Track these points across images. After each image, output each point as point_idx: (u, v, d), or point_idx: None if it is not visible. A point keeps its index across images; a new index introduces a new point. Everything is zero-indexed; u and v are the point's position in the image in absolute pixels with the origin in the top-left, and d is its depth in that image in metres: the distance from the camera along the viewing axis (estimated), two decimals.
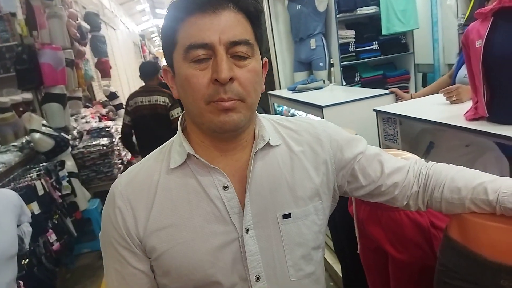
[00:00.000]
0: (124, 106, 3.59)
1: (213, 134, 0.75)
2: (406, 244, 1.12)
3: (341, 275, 1.97)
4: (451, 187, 0.81)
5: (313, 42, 3.24)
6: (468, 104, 1.50)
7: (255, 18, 0.73)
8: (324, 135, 0.86)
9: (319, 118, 2.41)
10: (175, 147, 0.79)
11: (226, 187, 0.76)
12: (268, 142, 0.80)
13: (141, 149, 3.46)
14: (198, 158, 0.75)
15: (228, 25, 0.68)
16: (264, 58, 0.78)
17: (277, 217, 0.79)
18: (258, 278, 0.77)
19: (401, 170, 0.87)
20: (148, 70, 3.40)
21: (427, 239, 1.10)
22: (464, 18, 3.26)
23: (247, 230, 0.76)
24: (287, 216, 0.79)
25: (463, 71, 1.98)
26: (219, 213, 0.76)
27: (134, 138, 3.52)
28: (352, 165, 0.86)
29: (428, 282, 1.08)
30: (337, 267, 2.31)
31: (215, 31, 0.67)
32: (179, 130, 0.81)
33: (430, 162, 0.90)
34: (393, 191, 0.87)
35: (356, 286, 1.62)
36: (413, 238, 1.11)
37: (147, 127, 3.23)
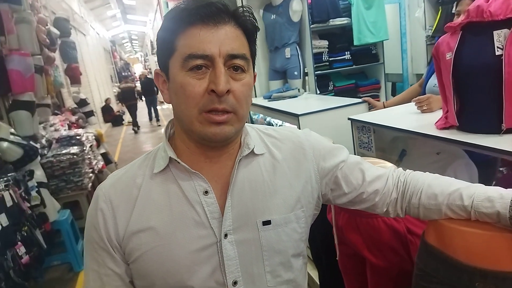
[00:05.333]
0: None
1: (202, 142, 0.77)
2: (384, 250, 1.15)
3: (318, 282, 1.99)
4: (428, 194, 0.84)
5: (287, 51, 3.28)
6: (439, 113, 1.56)
7: (252, 35, 0.77)
8: (307, 144, 0.89)
9: (295, 127, 2.44)
10: (160, 153, 0.82)
11: (206, 192, 0.78)
12: (252, 150, 0.82)
13: None
14: (179, 163, 0.77)
15: (227, 38, 0.71)
16: (255, 71, 0.81)
17: (257, 223, 0.80)
18: (235, 283, 0.78)
19: (381, 177, 0.90)
20: None
21: (403, 244, 1.13)
22: (431, 29, 3.41)
23: (226, 235, 0.77)
24: (267, 222, 0.81)
25: (433, 80, 2.07)
26: (199, 218, 0.77)
27: None
28: (335, 173, 0.89)
29: (404, 286, 1.12)
30: (314, 274, 2.33)
31: (215, 43, 0.70)
32: (165, 137, 0.83)
33: (407, 170, 0.94)
34: (374, 198, 0.90)
35: None
36: (390, 244, 1.14)
37: None
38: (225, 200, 0.78)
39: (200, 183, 0.78)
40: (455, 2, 1.99)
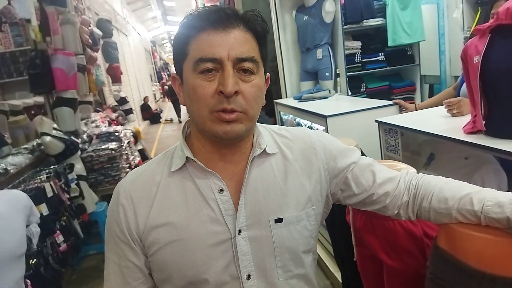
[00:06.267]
0: None
1: (215, 140, 0.80)
2: (400, 253, 1.15)
3: (340, 281, 1.99)
4: (439, 197, 0.84)
5: (319, 52, 3.28)
6: (469, 117, 1.52)
7: (262, 38, 0.79)
8: (319, 144, 0.91)
9: (323, 128, 2.45)
10: (177, 152, 0.86)
11: (221, 190, 0.81)
12: (264, 150, 0.85)
13: None
14: (196, 162, 0.81)
15: (236, 42, 0.74)
16: (267, 74, 0.84)
17: (269, 221, 0.83)
18: (249, 277, 0.81)
19: (393, 180, 0.91)
20: None
21: (420, 248, 1.12)
22: (470, 31, 3.29)
23: (239, 231, 0.81)
24: (279, 220, 0.83)
25: None
26: (214, 215, 0.81)
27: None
28: (345, 173, 0.90)
29: None
30: (339, 275, 2.33)
31: (224, 47, 0.73)
32: (182, 137, 0.87)
33: (420, 173, 0.94)
34: (384, 200, 0.90)
35: None
36: (406, 247, 1.13)
37: None
38: (238, 198, 0.82)
39: (215, 181, 0.81)
40: (491, 4, 1.93)
